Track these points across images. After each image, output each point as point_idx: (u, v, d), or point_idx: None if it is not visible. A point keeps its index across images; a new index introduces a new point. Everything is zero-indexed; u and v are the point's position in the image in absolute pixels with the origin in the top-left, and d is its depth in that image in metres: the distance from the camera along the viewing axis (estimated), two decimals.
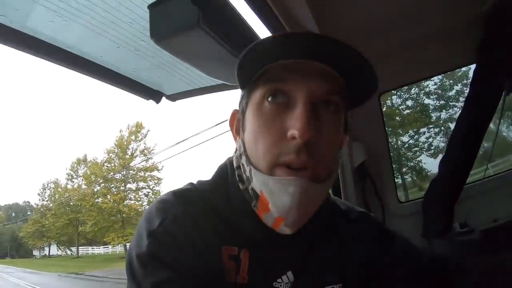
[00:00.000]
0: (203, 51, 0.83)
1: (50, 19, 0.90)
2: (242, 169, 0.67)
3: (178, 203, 0.65)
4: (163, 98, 1.37)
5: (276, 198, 0.60)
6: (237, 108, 0.73)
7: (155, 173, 30.38)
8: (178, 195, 0.68)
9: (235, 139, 0.74)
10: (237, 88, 1.13)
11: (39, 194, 38.81)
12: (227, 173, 0.71)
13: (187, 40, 0.77)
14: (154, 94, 1.33)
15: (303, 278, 0.68)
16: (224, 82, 1.16)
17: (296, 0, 0.97)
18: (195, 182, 0.74)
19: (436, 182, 1.56)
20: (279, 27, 1.06)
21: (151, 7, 0.78)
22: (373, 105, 1.68)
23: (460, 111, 1.54)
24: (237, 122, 0.72)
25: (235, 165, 0.70)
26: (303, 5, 0.99)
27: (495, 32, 1.32)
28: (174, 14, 0.74)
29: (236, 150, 0.71)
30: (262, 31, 0.99)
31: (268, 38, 0.61)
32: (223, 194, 0.69)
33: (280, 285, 0.66)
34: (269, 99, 0.62)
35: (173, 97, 1.38)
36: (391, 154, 1.79)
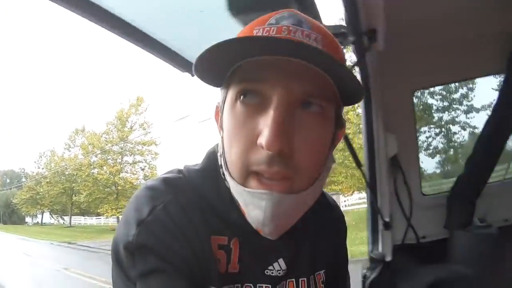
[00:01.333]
0: None
1: None
2: (223, 168, 0.63)
3: (169, 191, 0.61)
4: None
5: (249, 210, 0.57)
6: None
7: (152, 147, 30.51)
8: (169, 183, 0.63)
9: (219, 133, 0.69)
10: None
11: (35, 162, 38.67)
12: (216, 163, 0.67)
13: None
14: (191, 67, 1.28)
15: (296, 266, 0.68)
16: None
17: None
18: (182, 168, 0.69)
19: (462, 179, 1.68)
20: None
21: None
22: (406, 100, 1.77)
23: (489, 115, 1.67)
24: (219, 117, 0.67)
25: (219, 162, 0.66)
26: None
27: None
28: None
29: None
30: None
31: (237, 39, 0.52)
32: (212, 184, 0.65)
33: (272, 272, 0.65)
34: (241, 98, 0.56)
35: None
36: None
